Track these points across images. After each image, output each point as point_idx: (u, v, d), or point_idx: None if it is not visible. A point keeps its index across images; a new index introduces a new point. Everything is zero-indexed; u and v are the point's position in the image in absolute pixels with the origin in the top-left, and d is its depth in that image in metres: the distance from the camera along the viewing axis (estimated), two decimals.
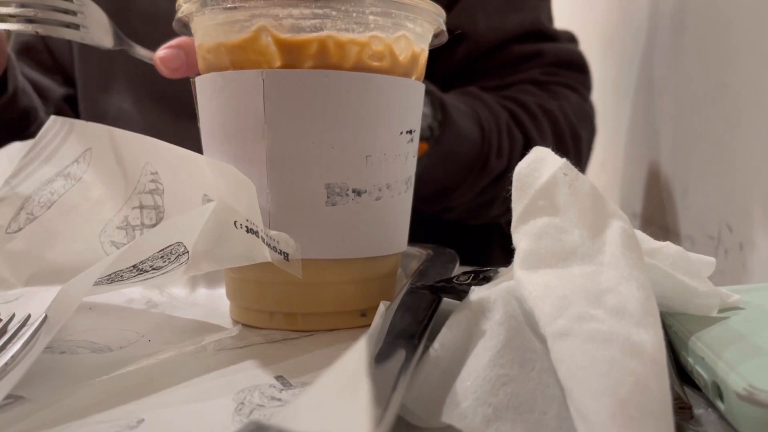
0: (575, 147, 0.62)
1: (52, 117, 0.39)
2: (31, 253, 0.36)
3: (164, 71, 0.40)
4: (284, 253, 0.29)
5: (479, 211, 0.61)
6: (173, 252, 0.29)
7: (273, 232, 0.29)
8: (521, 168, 0.25)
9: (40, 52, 0.69)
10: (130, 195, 0.37)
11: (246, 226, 0.29)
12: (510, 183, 0.25)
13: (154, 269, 0.29)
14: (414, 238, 0.36)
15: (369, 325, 0.27)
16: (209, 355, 0.28)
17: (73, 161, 0.38)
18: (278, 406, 0.23)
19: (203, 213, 0.29)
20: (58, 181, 0.38)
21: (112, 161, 0.37)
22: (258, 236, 0.29)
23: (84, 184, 0.38)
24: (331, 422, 0.14)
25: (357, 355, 0.16)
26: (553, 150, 0.24)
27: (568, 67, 0.65)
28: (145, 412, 0.22)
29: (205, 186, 0.32)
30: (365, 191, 0.30)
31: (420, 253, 0.38)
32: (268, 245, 0.29)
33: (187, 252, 0.29)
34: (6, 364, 0.23)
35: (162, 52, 0.40)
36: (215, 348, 0.29)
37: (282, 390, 0.24)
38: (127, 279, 0.28)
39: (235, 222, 0.30)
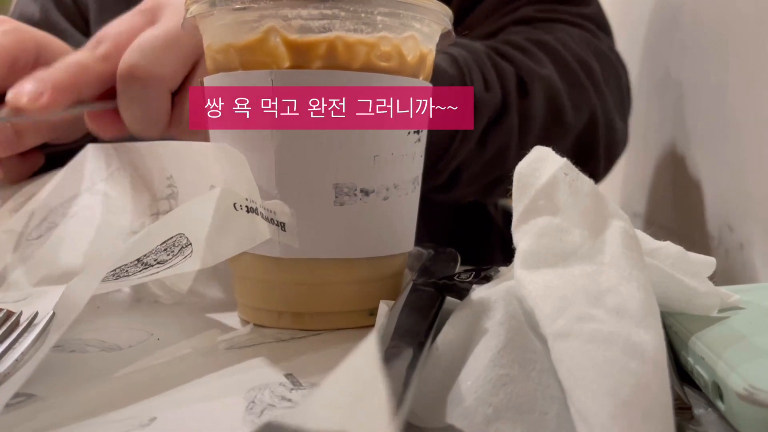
0: (590, 79, 0.54)
1: (89, 145, 0.40)
2: (45, 257, 0.37)
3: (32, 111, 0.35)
4: (281, 223, 0.29)
5: (492, 169, 0.52)
6: (176, 244, 0.29)
7: (268, 202, 0.29)
8: (521, 168, 0.25)
9: (68, 5, 0.66)
10: (149, 203, 0.37)
11: (246, 206, 0.30)
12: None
13: (158, 263, 0.29)
14: (414, 238, 0.36)
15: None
16: (219, 354, 0.28)
17: (101, 180, 0.39)
18: (289, 407, 0.23)
19: (203, 203, 0.30)
20: (84, 196, 0.39)
21: (136, 176, 0.38)
22: (257, 213, 0.29)
23: (108, 198, 0.38)
24: (350, 420, 0.14)
25: (368, 352, 0.16)
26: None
27: (567, 1, 0.58)
28: (156, 410, 0.22)
29: (211, 176, 0.32)
30: (373, 191, 0.31)
31: (421, 252, 0.38)
32: (266, 218, 0.29)
33: (190, 244, 0.29)
34: (16, 360, 0.23)
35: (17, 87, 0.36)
36: (224, 346, 0.29)
37: (292, 390, 0.24)
38: (133, 274, 0.28)
39: (234, 204, 0.30)
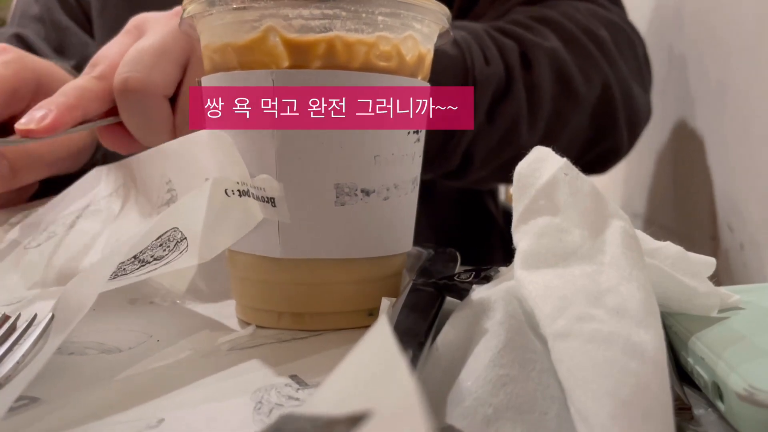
0: (599, 48, 0.53)
1: (96, 167, 0.42)
2: (40, 262, 0.37)
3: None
4: (270, 198, 0.29)
5: (504, 147, 0.50)
6: (171, 239, 0.29)
7: (257, 178, 0.29)
8: (522, 168, 0.25)
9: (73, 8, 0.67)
10: (149, 212, 0.37)
11: (238, 190, 0.30)
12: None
13: (155, 259, 0.29)
14: (414, 239, 0.36)
15: None
16: (221, 355, 0.28)
17: (106, 195, 0.40)
18: (297, 406, 0.23)
19: (195, 196, 0.30)
20: (87, 211, 0.40)
21: (138, 188, 0.39)
22: (249, 194, 0.29)
23: (111, 211, 0.39)
24: (372, 398, 0.14)
25: (381, 334, 0.16)
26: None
27: None
28: (163, 412, 0.22)
29: (207, 168, 0.32)
30: (374, 191, 0.31)
31: (420, 252, 0.39)
32: (257, 198, 0.29)
33: (185, 238, 0.29)
34: (17, 363, 0.23)
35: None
36: (226, 348, 0.29)
37: (298, 389, 0.24)
38: (131, 272, 0.28)
39: (225, 190, 0.30)
